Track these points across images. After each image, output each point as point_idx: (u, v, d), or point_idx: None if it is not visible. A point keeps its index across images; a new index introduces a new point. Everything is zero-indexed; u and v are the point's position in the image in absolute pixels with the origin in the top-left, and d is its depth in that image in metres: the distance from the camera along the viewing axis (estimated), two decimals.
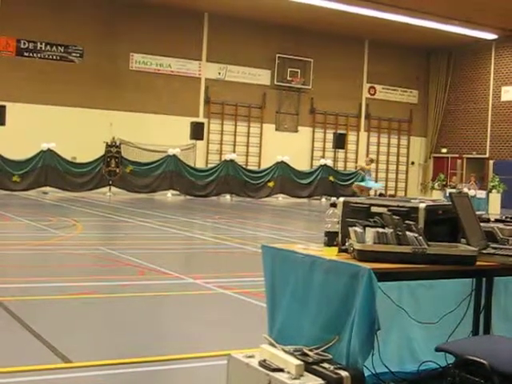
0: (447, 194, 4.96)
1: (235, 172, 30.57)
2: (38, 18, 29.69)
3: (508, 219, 5.26)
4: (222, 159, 31.58)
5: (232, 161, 30.78)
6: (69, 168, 27.66)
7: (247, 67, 34.38)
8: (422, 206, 4.40)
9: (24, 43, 29.87)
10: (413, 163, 39.94)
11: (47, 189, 27.27)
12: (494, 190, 30.04)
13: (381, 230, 4.18)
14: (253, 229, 17.94)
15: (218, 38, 33.27)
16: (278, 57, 34.94)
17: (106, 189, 28.29)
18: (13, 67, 29.34)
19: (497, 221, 5.21)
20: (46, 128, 28.54)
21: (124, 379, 5.31)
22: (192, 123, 30.73)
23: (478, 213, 4.97)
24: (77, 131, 29.15)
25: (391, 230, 4.17)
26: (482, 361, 3.61)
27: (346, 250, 4.25)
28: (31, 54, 30.05)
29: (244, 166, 32.32)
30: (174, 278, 9.60)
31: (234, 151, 33.21)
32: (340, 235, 4.40)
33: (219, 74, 33.91)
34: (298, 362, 3.88)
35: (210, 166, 32.24)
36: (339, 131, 35.85)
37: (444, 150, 39.00)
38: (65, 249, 12.16)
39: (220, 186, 30.29)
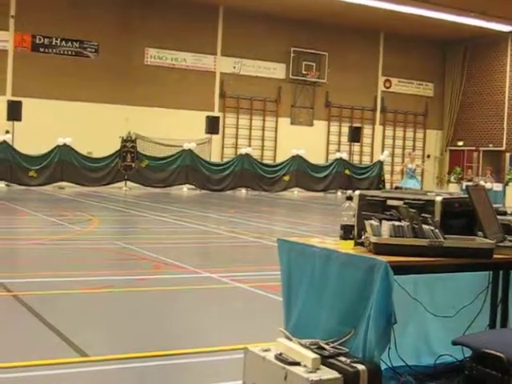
0: (463, 187, 4.93)
1: (250, 166, 30.60)
2: (53, 13, 29.78)
3: None
4: (238, 153, 31.63)
5: (247, 155, 30.82)
6: (85, 163, 27.78)
7: (262, 61, 34.35)
8: (439, 198, 4.38)
9: (39, 39, 29.96)
10: (429, 156, 39.80)
11: (63, 184, 27.40)
12: (510, 183, 29.89)
13: (397, 223, 4.17)
14: (268, 223, 17.94)
15: (232, 32, 33.27)
16: (293, 50, 34.90)
17: (121, 183, 28.40)
18: (28, 63, 29.46)
19: None
20: (62, 123, 28.63)
21: (140, 373, 5.32)
22: (207, 117, 30.77)
23: (494, 206, 4.95)
24: (92, 126, 29.25)
25: (407, 223, 4.16)
26: (499, 354, 3.59)
27: (362, 244, 4.24)
28: (47, 50, 30.15)
29: (259, 160, 32.36)
30: (189, 272, 9.61)
31: (250, 145, 33.24)
32: (356, 228, 4.39)
33: (234, 68, 33.90)
34: (315, 356, 3.87)
35: (225, 160, 32.28)
36: (354, 125, 35.80)
37: (460, 143, 38.84)
38: (81, 243, 12.20)
39: (235, 180, 30.33)
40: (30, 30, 29.72)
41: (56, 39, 30.24)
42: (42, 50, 30.05)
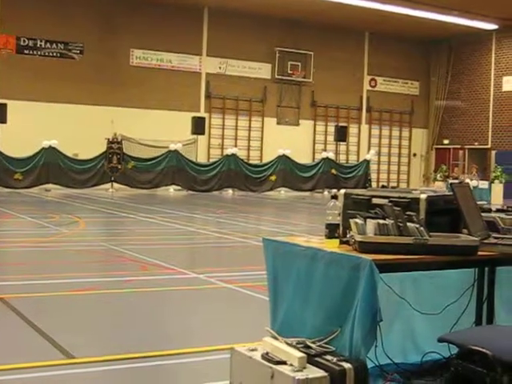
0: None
1: (237, 166, 30.57)
2: (37, 15, 29.68)
3: (510, 209, 5.25)
4: (224, 154, 31.59)
5: (233, 155, 30.79)
6: (71, 165, 27.70)
7: (248, 61, 34.35)
8: (423, 196, 4.39)
9: (24, 41, 29.86)
10: (415, 155, 39.91)
11: (49, 186, 27.30)
12: (496, 181, 30.01)
13: (382, 221, 4.17)
14: (255, 223, 17.95)
15: (217, 33, 33.25)
16: (279, 50, 34.91)
17: (108, 185, 28.34)
18: (13, 65, 29.35)
19: (498, 211, 5.20)
20: (47, 125, 28.57)
21: (128, 374, 5.31)
22: (193, 118, 30.74)
23: (479, 203, 4.97)
24: (78, 128, 29.18)
25: (392, 221, 4.17)
26: (484, 351, 3.60)
27: (347, 242, 4.25)
28: (31, 52, 30.04)
29: (246, 160, 32.34)
30: (176, 273, 9.60)
31: (236, 145, 33.21)
32: (341, 227, 4.39)
33: (220, 68, 33.89)
34: (301, 355, 3.88)
35: (211, 160, 32.24)
36: (340, 124, 35.85)
37: (446, 141, 38.97)
38: (67, 245, 12.17)
39: (222, 181, 30.31)
40: (15, 32, 29.61)
41: (41, 41, 30.14)
42: (26, 51, 29.95)
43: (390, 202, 4.37)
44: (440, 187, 25.84)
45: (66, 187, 27.52)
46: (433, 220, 4.36)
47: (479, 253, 4.24)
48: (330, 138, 35.83)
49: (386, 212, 4.24)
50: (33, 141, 26.72)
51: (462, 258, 4.21)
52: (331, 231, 4.28)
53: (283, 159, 31.66)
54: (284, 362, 3.89)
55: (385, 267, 3.92)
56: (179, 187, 29.80)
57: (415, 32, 36.13)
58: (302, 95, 36.13)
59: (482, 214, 4.78)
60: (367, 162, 34.23)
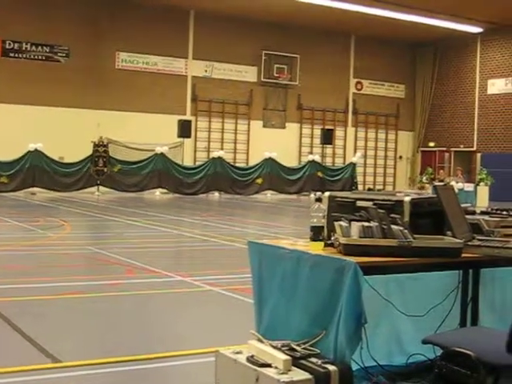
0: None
1: (223, 169, 30.58)
2: (23, 18, 29.57)
3: (494, 211, 5.28)
4: (210, 157, 31.59)
5: (220, 158, 30.79)
6: (56, 168, 27.62)
7: (234, 64, 34.36)
8: (407, 199, 4.41)
9: (9, 44, 29.75)
10: (401, 157, 40.01)
11: (35, 189, 27.21)
12: (481, 183, 30.09)
13: (366, 223, 4.19)
14: (241, 226, 17.93)
15: (204, 36, 33.23)
16: (265, 53, 34.92)
17: (94, 188, 28.26)
18: None
19: (483, 213, 5.23)
20: (33, 128, 28.47)
21: (113, 378, 5.30)
22: (179, 121, 30.69)
23: (463, 205, 4.99)
24: (64, 131, 29.08)
25: (376, 224, 4.18)
26: (468, 352, 3.62)
27: (331, 245, 4.26)
28: (17, 55, 29.94)
29: (232, 163, 32.33)
30: (162, 276, 9.59)
31: (222, 148, 33.19)
32: (326, 230, 4.40)
33: (206, 71, 33.87)
34: (286, 357, 3.88)
35: (197, 163, 32.24)
36: (327, 127, 35.89)
37: (431, 144, 39.07)
38: (53, 249, 12.13)
39: (208, 184, 30.29)
40: (0, 35, 29.49)
41: (26, 44, 30.03)
42: (12, 54, 29.83)
43: (375, 204, 4.38)
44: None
45: (51, 190, 27.45)
46: (417, 222, 4.38)
47: (463, 255, 4.26)
48: (317, 141, 35.85)
49: (371, 214, 4.26)
50: (18, 144, 26.63)
51: (446, 260, 4.23)
52: (316, 234, 4.29)
53: (269, 162, 31.68)
54: (269, 365, 3.89)
55: (369, 269, 3.94)
56: (165, 190, 29.78)
57: (401, 35, 36.26)
58: (288, 98, 36.17)
59: (467, 217, 4.80)
60: (353, 164, 34.28)
